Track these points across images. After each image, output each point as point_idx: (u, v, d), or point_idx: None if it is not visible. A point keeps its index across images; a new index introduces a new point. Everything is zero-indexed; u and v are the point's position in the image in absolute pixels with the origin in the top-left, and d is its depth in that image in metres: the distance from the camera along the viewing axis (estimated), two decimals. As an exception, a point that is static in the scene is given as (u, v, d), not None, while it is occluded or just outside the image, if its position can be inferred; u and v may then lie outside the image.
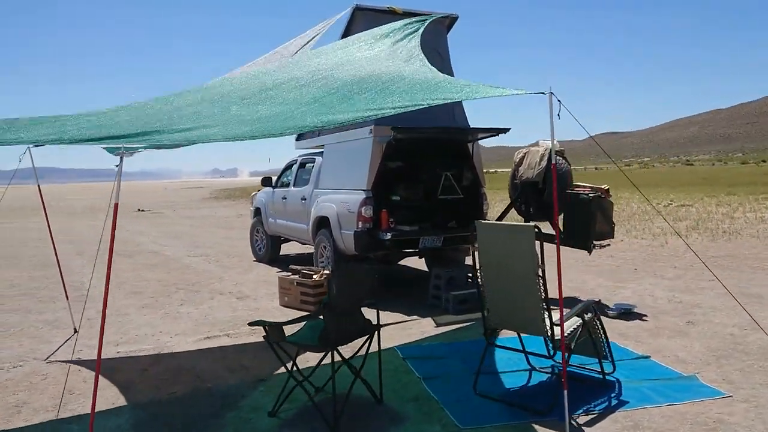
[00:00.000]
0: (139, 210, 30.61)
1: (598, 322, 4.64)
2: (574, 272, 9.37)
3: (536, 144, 7.70)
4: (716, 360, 5.06)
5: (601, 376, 4.63)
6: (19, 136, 3.96)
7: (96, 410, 4.30)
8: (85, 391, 4.72)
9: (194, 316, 7.17)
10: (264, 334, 4.00)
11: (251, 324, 4.12)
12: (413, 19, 6.76)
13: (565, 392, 3.63)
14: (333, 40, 7.20)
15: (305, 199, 9.11)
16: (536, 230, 3.98)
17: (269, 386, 4.69)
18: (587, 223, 6.85)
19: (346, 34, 7.90)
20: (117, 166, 3.23)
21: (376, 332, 4.30)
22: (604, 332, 4.69)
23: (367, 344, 4.27)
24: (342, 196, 7.92)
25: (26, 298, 8.55)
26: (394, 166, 7.98)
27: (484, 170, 8.70)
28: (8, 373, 5.23)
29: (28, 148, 6.03)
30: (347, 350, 4.60)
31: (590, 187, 6.96)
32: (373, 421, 4.03)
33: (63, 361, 5.55)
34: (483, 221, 4.35)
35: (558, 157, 7.29)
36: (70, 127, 4.13)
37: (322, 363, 4.39)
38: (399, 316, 6.92)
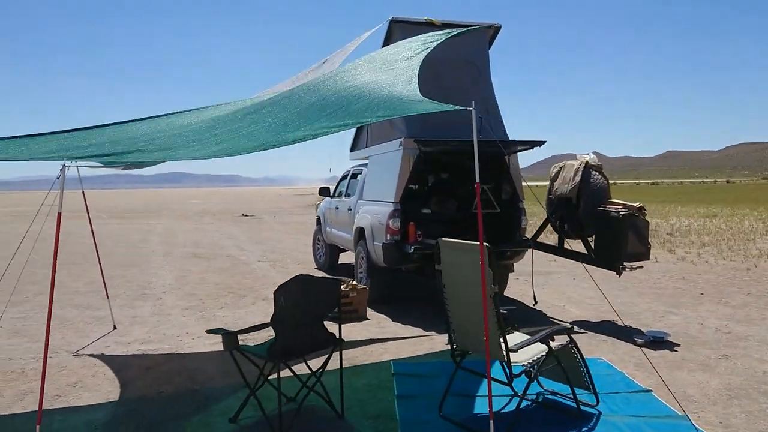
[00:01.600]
0: (243, 215, 32.29)
1: (575, 349, 4.35)
2: (628, 295, 8.80)
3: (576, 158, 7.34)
4: (726, 400, 4.57)
5: (582, 406, 4.35)
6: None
7: (85, 404, 4.66)
8: (88, 384, 5.11)
9: (226, 320, 7.48)
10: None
11: (208, 331, 4.28)
12: (448, 31, 6.71)
13: (491, 422, 3.45)
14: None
15: (351, 210, 9.25)
16: (488, 248, 3.81)
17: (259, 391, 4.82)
18: (618, 242, 6.44)
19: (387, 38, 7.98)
20: (58, 178, 3.48)
21: (339, 346, 4.31)
22: (583, 360, 4.40)
23: (337, 357, 4.30)
24: (376, 207, 7.97)
25: (93, 294, 9.28)
26: (425, 179, 7.91)
27: (531, 183, 8.39)
28: (36, 363, 5.75)
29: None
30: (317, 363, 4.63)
31: (623, 205, 6.52)
32: (324, 436, 4.04)
33: (87, 355, 6.01)
34: (445, 239, 4.23)
35: (594, 172, 6.91)
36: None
37: (280, 375, 4.46)
38: (417, 331, 6.85)
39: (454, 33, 7.03)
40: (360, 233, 8.42)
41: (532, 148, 7.51)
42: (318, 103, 4.40)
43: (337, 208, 10.22)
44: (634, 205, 6.44)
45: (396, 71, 5.19)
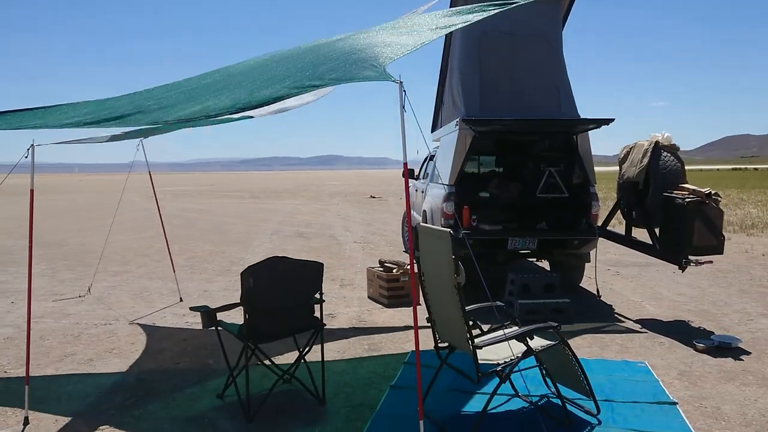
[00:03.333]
0: (371, 197, 32.98)
1: (567, 350, 3.90)
2: (727, 293, 7.76)
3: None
4: (766, 424, 3.87)
5: (583, 413, 3.92)
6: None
7: (110, 370, 5.02)
8: (124, 351, 5.50)
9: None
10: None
11: (191, 308, 4.38)
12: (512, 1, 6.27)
13: (421, 423, 3.19)
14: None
15: (423, 192, 9.06)
16: (451, 235, 3.51)
17: (254, 370, 4.90)
18: (682, 233, 5.67)
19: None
20: (26, 157, 3.70)
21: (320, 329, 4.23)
22: (578, 363, 3.93)
23: (314, 339, 4.23)
24: (436, 190, 7.73)
25: (187, 269, 9.94)
26: (486, 161, 7.50)
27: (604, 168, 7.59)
28: (95, 329, 6.29)
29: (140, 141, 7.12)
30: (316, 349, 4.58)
31: (691, 191, 5.73)
32: (293, 420, 4.00)
33: (140, 324, 6.46)
34: (423, 224, 3.97)
35: (665, 153, 6.14)
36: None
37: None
38: (461, 320, 6.56)
39: (521, 2, 6.55)
40: (425, 216, 8.23)
41: (599, 126, 6.82)
42: (310, 62, 4.20)
43: (416, 190, 10.07)
44: (702, 190, 5.62)
45: (408, 37, 4.84)
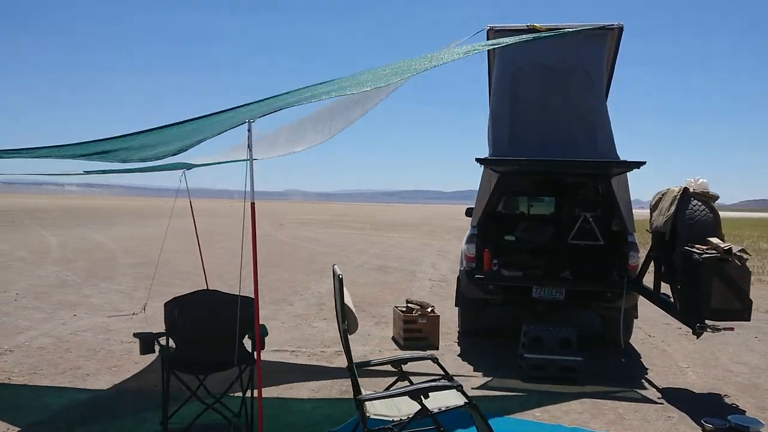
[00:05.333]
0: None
1: (476, 413, 3.54)
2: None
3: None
4: None
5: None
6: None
7: (102, 387, 5.34)
8: (123, 369, 5.84)
9: (313, 332, 7.73)
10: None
11: (135, 335, 4.52)
12: (554, 32, 6.04)
13: None
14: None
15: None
16: (340, 279, 3.36)
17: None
18: (698, 293, 4.98)
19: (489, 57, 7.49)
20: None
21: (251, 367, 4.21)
22: (487, 426, 3.54)
23: (242, 378, 4.23)
24: (467, 231, 7.44)
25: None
26: (516, 202, 7.11)
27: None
28: (118, 346, 6.76)
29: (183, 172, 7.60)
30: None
31: (713, 245, 5.02)
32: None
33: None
34: (336, 267, 3.83)
35: (695, 202, 5.47)
36: None
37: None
38: (465, 368, 6.21)
39: (559, 33, 6.24)
40: (460, 258, 7.95)
41: (630, 170, 6.20)
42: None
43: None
44: (722, 245, 4.90)
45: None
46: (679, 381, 5.99)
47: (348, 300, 3.49)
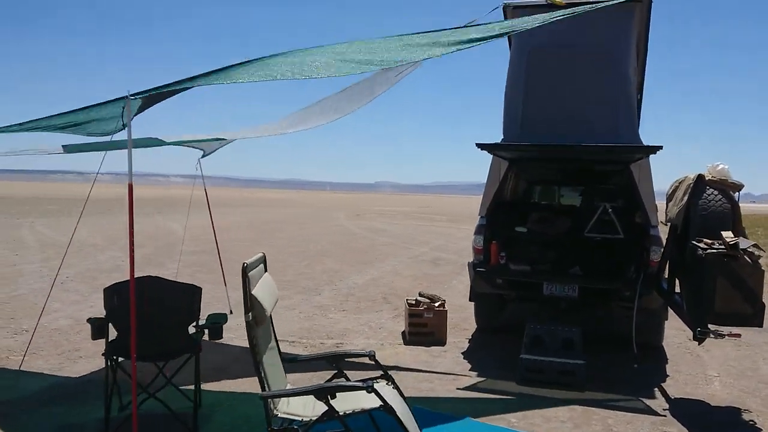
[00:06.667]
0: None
1: (394, 417, 3.23)
2: None
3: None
4: None
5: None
6: None
7: (56, 372, 5.45)
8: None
9: (326, 323, 7.61)
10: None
11: (88, 320, 4.47)
12: (571, 10, 5.58)
13: None
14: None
15: None
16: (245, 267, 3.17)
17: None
18: (700, 294, 4.39)
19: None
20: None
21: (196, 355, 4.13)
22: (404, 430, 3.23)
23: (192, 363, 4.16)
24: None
25: (289, 287, 10.26)
26: (529, 192, 6.63)
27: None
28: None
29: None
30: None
31: (720, 240, 4.41)
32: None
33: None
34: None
35: (711, 191, 4.85)
36: None
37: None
38: (461, 367, 5.87)
39: (580, 10, 5.74)
40: (474, 250, 7.55)
41: (645, 155, 5.60)
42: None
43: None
44: (729, 240, 4.28)
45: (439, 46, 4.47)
46: (698, 392, 5.36)
47: (261, 289, 3.30)
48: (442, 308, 6.80)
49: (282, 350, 3.70)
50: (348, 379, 3.67)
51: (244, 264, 3.21)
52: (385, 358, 6.10)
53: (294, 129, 6.55)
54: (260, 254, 3.61)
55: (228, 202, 52.97)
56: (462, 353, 6.38)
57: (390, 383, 3.66)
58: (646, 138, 6.55)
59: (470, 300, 7.08)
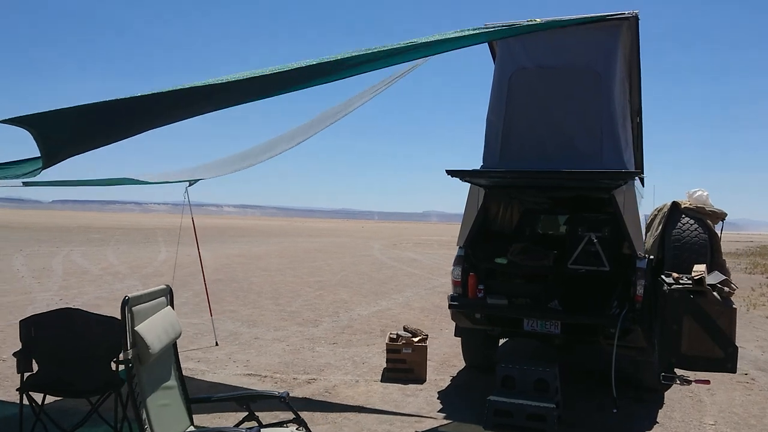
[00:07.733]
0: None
1: None
2: None
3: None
4: None
5: None
6: None
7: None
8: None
9: (308, 357, 7.36)
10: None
11: (14, 354, 4.33)
12: (554, 21, 5.34)
13: None
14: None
15: None
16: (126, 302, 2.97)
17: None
18: (666, 334, 3.96)
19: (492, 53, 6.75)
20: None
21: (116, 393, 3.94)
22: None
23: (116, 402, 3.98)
24: None
25: (285, 315, 10.17)
26: (509, 222, 6.27)
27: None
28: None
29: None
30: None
31: (689, 275, 3.98)
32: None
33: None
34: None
35: (686, 220, 4.44)
36: None
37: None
38: (431, 407, 5.50)
39: (564, 23, 5.47)
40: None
41: (626, 181, 5.18)
42: None
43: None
44: (695, 274, 3.85)
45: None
46: (690, 443, 4.85)
47: (150, 325, 3.09)
48: (422, 344, 6.46)
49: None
50: (259, 422, 3.44)
51: (125, 298, 3.01)
52: (354, 396, 5.81)
53: (268, 155, 6.43)
54: (162, 286, 3.42)
55: (274, 231, 53.54)
56: (438, 392, 6.01)
57: (301, 428, 3.39)
58: (652, 164, 6.16)
59: (455, 335, 6.71)
